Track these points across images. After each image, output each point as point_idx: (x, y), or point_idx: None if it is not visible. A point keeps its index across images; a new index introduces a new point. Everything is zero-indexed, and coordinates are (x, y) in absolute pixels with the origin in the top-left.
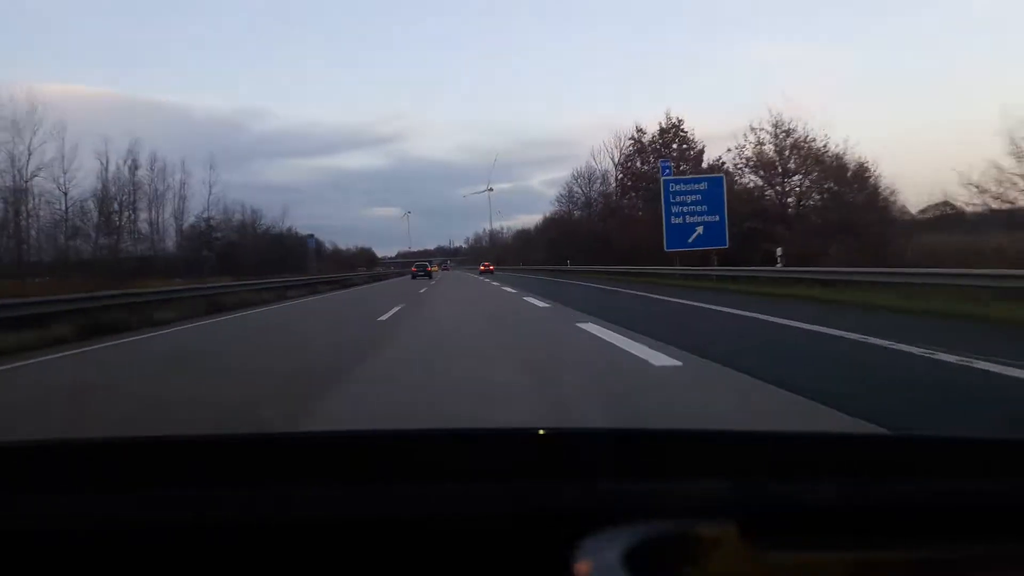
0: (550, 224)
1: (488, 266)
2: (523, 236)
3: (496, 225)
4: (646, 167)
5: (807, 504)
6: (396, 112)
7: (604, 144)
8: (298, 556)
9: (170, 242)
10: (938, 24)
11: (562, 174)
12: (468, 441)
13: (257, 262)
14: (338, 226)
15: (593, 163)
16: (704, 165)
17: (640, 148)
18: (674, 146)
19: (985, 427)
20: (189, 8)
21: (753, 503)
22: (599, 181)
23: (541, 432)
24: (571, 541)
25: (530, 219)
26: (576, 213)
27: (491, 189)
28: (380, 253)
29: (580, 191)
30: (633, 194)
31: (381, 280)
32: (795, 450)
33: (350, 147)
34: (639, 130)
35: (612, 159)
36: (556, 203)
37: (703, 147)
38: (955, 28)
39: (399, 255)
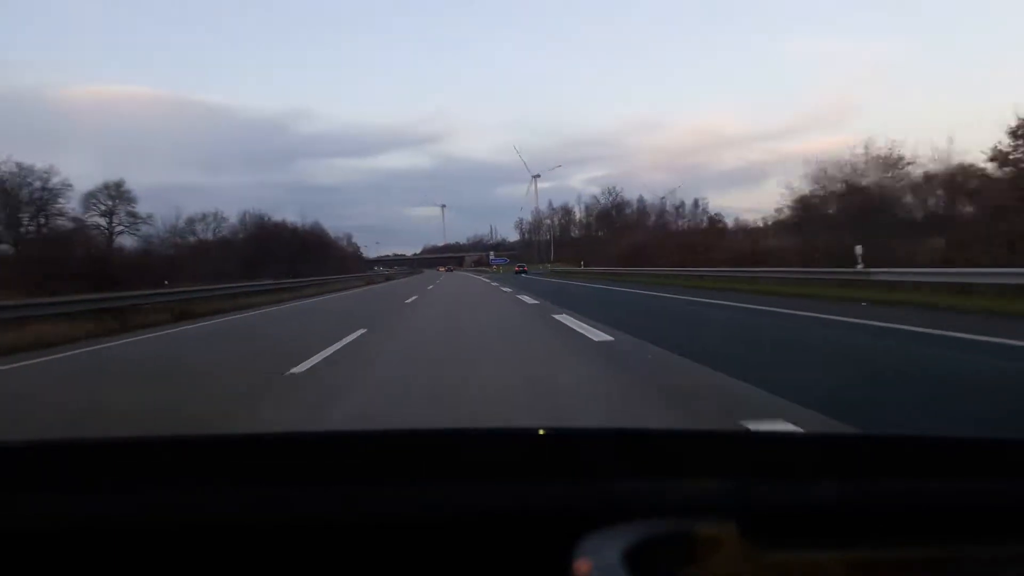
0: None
1: (523, 267)
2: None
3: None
4: None
5: (807, 504)
6: (438, 112)
7: None
8: (297, 557)
9: None
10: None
11: (601, 173)
12: (467, 440)
13: None
14: (378, 224)
15: None
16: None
17: None
18: None
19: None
20: (235, 12)
21: (753, 503)
22: None
23: (541, 432)
24: (571, 541)
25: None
26: None
27: (538, 176)
28: (408, 252)
29: None
30: None
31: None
32: (795, 450)
33: (393, 147)
34: None
35: None
36: None
37: None
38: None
39: (424, 251)
